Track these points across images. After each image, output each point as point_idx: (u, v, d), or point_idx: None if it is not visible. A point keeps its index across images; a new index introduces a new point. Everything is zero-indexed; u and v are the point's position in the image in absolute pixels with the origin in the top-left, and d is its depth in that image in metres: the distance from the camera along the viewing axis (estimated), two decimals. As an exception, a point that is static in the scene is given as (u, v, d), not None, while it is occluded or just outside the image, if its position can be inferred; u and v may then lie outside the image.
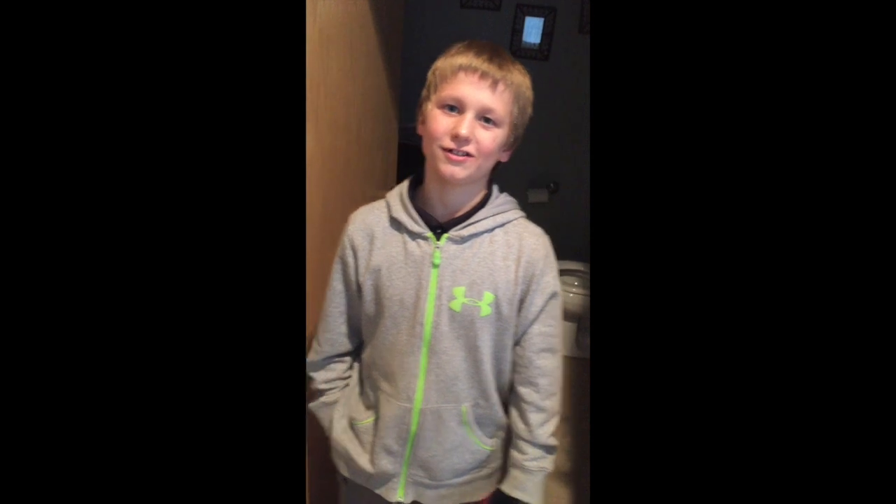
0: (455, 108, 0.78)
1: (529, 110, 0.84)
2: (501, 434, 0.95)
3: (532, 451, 0.88)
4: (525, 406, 0.88)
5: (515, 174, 2.82)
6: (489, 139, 0.79)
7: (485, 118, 0.78)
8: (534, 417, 0.87)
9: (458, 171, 0.79)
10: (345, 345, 0.96)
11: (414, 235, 0.85)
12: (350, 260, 0.90)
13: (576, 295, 2.45)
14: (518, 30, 2.66)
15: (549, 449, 0.89)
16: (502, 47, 0.82)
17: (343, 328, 0.95)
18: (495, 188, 0.90)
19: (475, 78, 0.76)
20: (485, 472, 0.94)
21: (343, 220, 1.29)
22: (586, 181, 2.66)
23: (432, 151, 0.80)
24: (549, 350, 0.88)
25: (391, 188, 1.68)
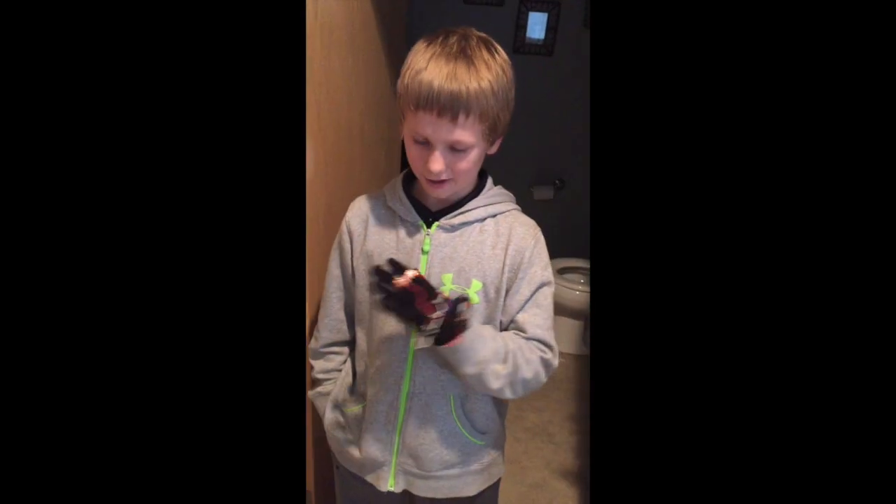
0: (424, 141, 0.77)
1: (510, 98, 0.79)
2: (493, 428, 0.94)
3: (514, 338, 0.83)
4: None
5: (521, 171, 2.80)
6: (464, 163, 0.79)
7: (454, 148, 0.77)
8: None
9: (440, 192, 0.82)
10: (343, 332, 0.96)
11: (406, 223, 0.87)
12: (346, 245, 0.92)
13: (581, 293, 2.44)
14: (522, 25, 2.63)
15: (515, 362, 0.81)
16: (468, 36, 0.77)
17: (341, 314, 0.95)
18: (489, 179, 0.90)
19: (433, 116, 0.74)
20: (475, 466, 0.93)
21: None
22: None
23: (414, 170, 0.83)
24: (538, 340, 0.84)
25: (395, 187, 1.68)
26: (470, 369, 0.79)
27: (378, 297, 0.74)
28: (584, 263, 2.67)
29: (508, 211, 0.88)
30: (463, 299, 0.77)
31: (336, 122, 1.09)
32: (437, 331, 0.75)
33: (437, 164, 0.77)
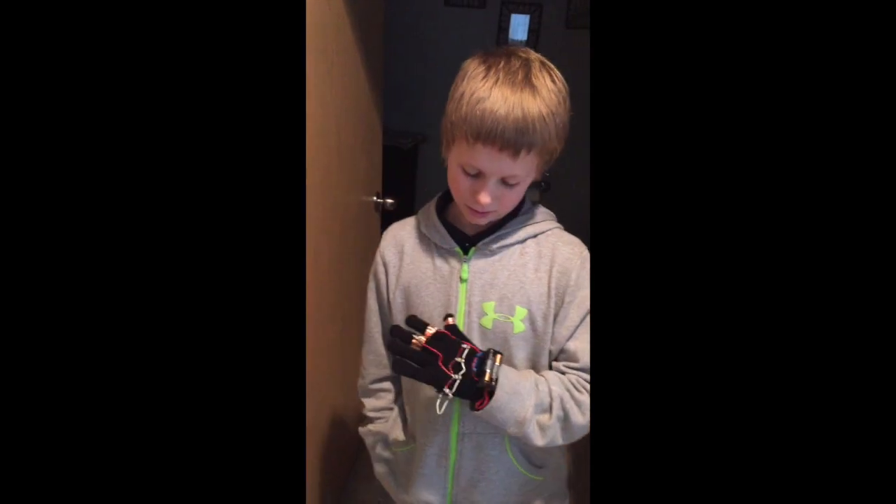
0: (476, 174, 0.72)
1: (564, 133, 0.74)
2: (552, 461, 0.89)
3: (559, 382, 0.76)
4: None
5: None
6: (513, 196, 0.74)
7: (507, 182, 0.72)
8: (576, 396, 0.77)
9: (482, 221, 0.77)
10: (388, 366, 0.92)
11: (442, 251, 0.82)
12: (382, 276, 0.87)
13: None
14: (504, 27, 2.63)
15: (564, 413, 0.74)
16: (531, 60, 0.71)
17: (384, 348, 0.92)
18: (528, 199, 0.84)
19: (494, 151, 0.68)
20: (537, 501, 0.89)
21: (327, 229, 1.25)
22: (577, 179, 2.63)
23: (456, 197, 0.77)
24: (588, 370, 0.77)
25: (377, 193, 1.65)
26: (511, 429, 0.73)
27: (393, 358, 0.71)
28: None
29: (550, 230, 0.82)
30: (491, 355, 0.72)
31: (310, 129, 1.06)
32: (456, 393, 0.70)
33: (487, 197, 0.71)
